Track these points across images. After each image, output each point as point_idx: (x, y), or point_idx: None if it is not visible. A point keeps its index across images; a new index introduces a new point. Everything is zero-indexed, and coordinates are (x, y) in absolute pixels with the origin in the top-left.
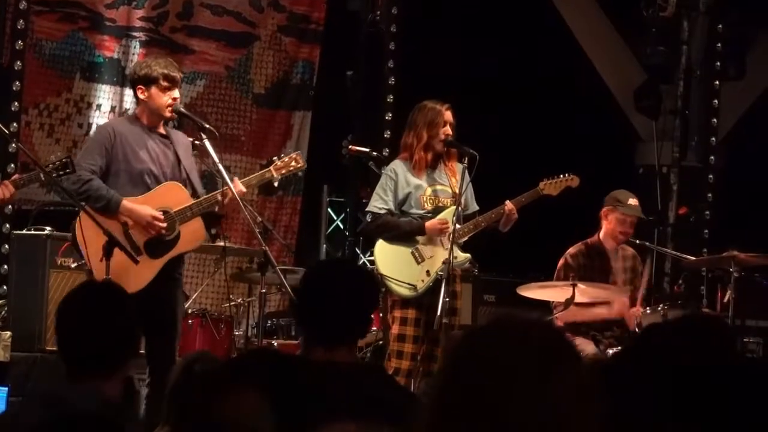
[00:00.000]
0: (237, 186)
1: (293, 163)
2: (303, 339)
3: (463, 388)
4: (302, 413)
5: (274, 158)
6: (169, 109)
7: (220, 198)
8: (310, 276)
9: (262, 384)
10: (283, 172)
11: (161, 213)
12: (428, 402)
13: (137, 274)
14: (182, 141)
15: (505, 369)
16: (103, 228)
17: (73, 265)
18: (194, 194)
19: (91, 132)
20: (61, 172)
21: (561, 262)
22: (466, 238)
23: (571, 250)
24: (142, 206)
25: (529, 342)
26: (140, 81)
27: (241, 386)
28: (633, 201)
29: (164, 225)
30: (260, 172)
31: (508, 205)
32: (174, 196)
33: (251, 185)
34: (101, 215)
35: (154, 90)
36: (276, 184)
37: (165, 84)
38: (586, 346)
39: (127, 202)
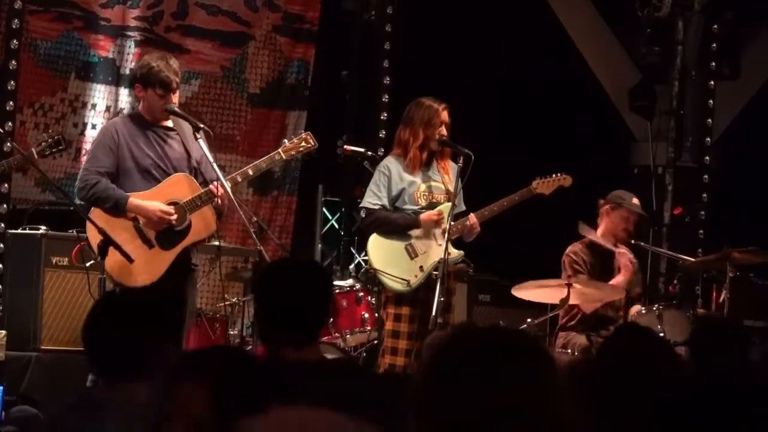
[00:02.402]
0: (216, 189)
1: (303, 144)
2: (268, 341)
3: (440, 393)
4: (252, 407)
5: (284, 140)
6: (164, 113)
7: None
8: (264, 280)
9: (211, 378)
10: (293, 153)
11: (170, 205)
12: (408, 407)
13: (152, 266)
14: (189, 129)
15: (481, 373)
16: (98, 227)
17: (88, 264)
18: (206, 182)
19: (86, 132)
20: (53, 149)
21: (565, 259)
22: (454, 237)
23: (571, 247)
24: (150, 201)
25: (505, 346)
26: (139, 80)
27: (190, 379)
28: (636, 200)
29: (174, 216)
30: (270, 154)
31: (471, 218)
32: (183, 187)
33: (260, 169)
34: (111, 214)
35: (150, 92)
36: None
37: (160, 92)
38: (577, 338)
39: (134, 200)
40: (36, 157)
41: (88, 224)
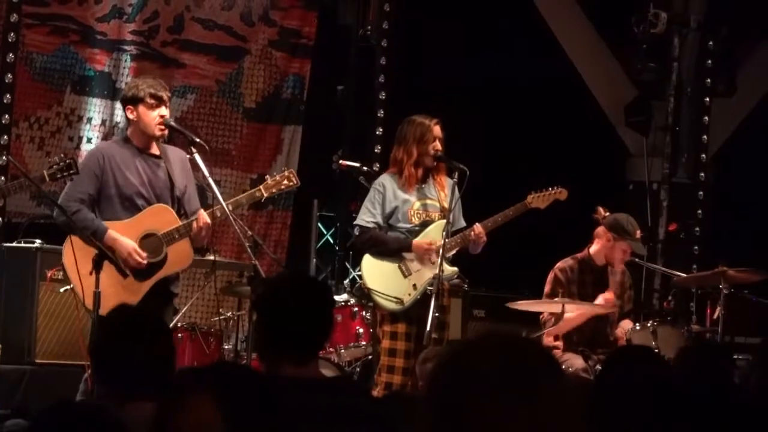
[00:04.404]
0: (203, 218)
1: (285, 182)
2: (268, 357)
3: (448, 405)
4: (262, 426)
5: (266, 177)
6: (159, 126)
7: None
8: (277, 290)
9: (218, 393)
10: (274, 191)
11: (142, 250)
12: (416, 420)
13: (125, 295)
14: (177, 157)
15: (490, 385)
16: (93, 241)
17: (61, 290)
18: (186, 213)
19: (82, 146)
20: (65, 173)
21: (550, 276)
22: (453, 252)
23: (560, 264)
24: (125, 239)
25: (514, 357)
26: (129, 101)
27: (196, 393)
28: (639, 233)
29: (143, 261)
30: (250, 191)
31: (476, 228)
32: (161, 218)
33: (241, 204)
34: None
35: (141, 109)
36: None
37: (151, 102)
38: (574, 361)
39: (112, 233)
40: (47, 180)
41: (66, 247)
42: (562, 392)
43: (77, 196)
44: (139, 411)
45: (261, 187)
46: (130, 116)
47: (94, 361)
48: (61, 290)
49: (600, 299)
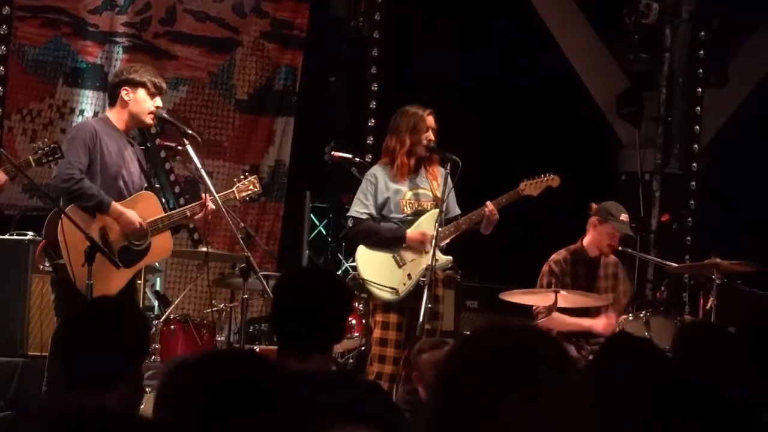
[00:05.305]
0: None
1: (251, 187)
2: (278, 348)
3: (447, 400)
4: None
5: (234, 179)
6: (151, 116)
7: (189, 214)
8: (281, 284)
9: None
10: (244, 194)
11: (129, 236)
12: (424, 413)
13: (113, 282)
14: (140, 152)
15: (484, 381)
16: (86, 233)
17: (46, 264)
18: None
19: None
20: (50, 158)
21: (545, 268)
22: (447, 241)
23: (555, 256)
24: (131, 211)
25: (511, 354)
26: (128, 82)
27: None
28: (625, 216)
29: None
30: (225, 192)
31: (489, 206)
32: (148, 206)
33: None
34: (83, 221)
35: (141, 93)
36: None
37: (152, 90)
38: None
39: (117, 205)
40: (33, 165)
41: (70, 228)
42: (566, 389)
43: (77, 166)
44: (102, 401)
45: (234, 189)
46: (126, 98)
47: (55, 349)
48: (47, 265)
49: (601, 322)
